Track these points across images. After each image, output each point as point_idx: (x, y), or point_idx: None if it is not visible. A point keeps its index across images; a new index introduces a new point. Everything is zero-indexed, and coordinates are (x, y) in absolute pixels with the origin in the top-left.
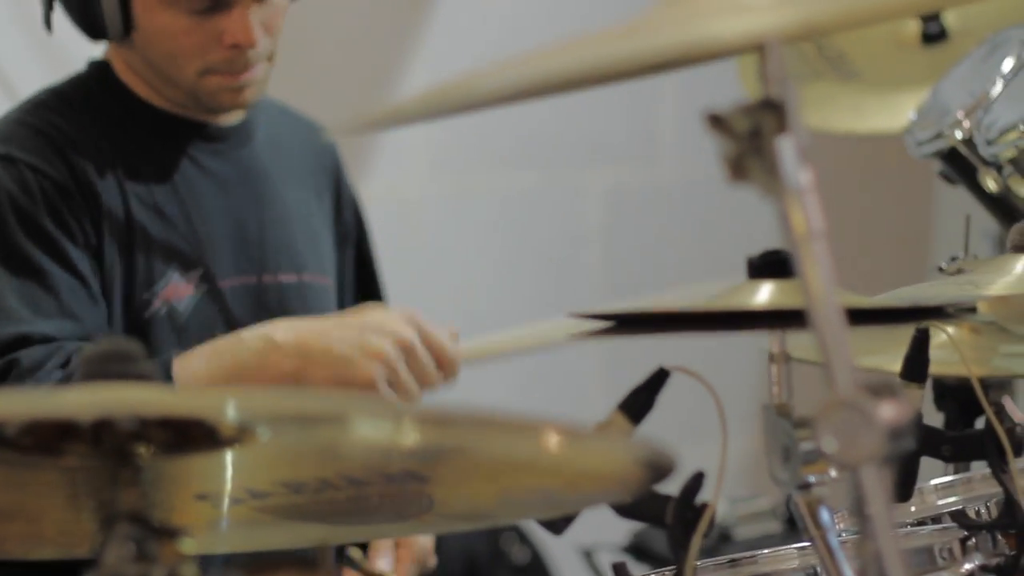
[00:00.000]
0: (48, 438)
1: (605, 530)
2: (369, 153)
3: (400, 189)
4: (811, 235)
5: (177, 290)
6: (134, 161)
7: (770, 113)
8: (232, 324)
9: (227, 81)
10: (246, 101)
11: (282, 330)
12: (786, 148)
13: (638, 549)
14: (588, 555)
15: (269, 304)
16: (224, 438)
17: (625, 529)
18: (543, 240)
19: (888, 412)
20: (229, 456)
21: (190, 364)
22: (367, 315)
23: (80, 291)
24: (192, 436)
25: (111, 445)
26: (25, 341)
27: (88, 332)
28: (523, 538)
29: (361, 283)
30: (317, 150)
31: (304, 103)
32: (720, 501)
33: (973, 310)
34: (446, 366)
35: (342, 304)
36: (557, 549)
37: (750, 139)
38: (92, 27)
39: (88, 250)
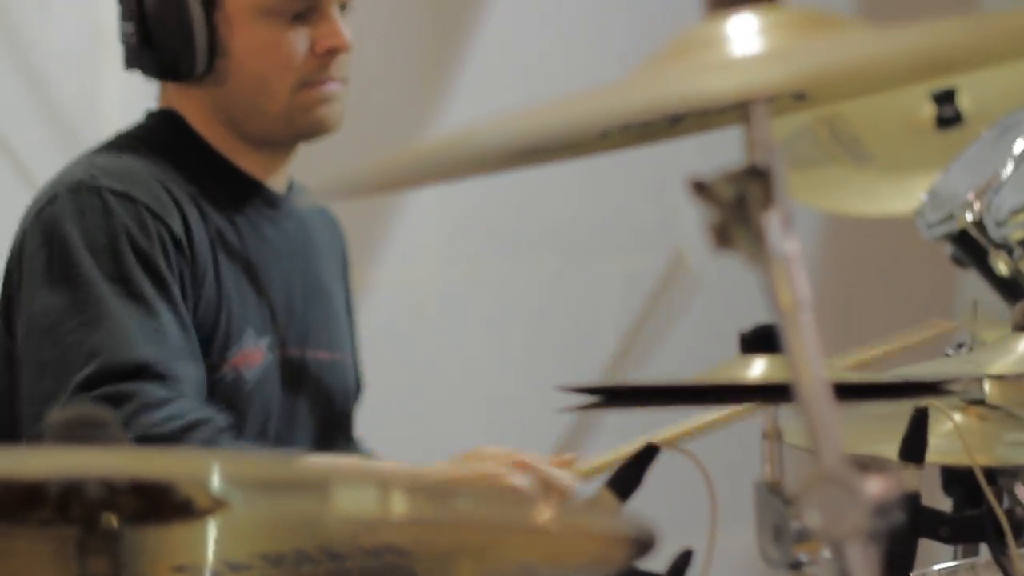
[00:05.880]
0: (16, 504)
1: None
2: (382, 235)
3: (413, 273)
4: (797, 306)
5: (248, 357)
6: (219, 219)
7: (755, 180)
8: (286, 397)
9: (318, 92)
10: (334, 118)
11: (408, 475)
12: (772, 217)
13: None
14: None
15: (309, 379)
16: (198, 508)
17: None
18: (559, 327)
19: (874, 487)
20: (207, 527)
21: None
22: (482, 468)
23: (187, 344)
24: (164, 505)
25: (79, 512)
26: (146, 371)
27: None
28: None
29: None
30: (333, 231)
31: (323, 159)
32: None
33: (982, 401)
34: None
35: None
36: None
37: (735, 207)
38: (181, 64)
39: (189, 308)
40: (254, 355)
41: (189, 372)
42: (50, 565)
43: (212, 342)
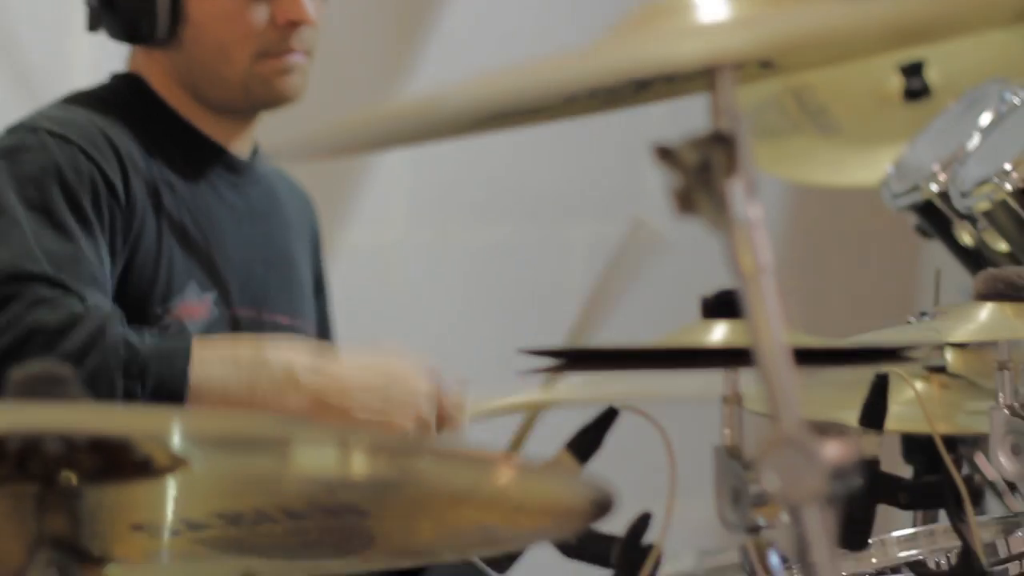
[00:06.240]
0: None
1: None
2: (348, 202)
3: (380, 239)
4: (759, 270)
5: (190, 309)
6: (171, 177)
7: (720, 147)
8: None
9: (278, 63)
10: (294, 89)
11: (307, 371)
12: (735, 183)
13: None
14: None
15: None
16: (157, 466)
17: None
18: (524, 293)
19: (832, 451)
20: (166, 485)
21: (208, 365)
22: (392, 374)
23: (100, 274)
24: (123, 463)
25: (38, 469)
26: (45, 280)
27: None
28: None
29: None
30: (304, 207)
31: (291, 122)
32: (688, 554)
33: (944, 369)
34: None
35: None
36: None
37: (699, 173)
38: (143, 26)
39: (113, 253)
40: (197, 308)
41: (96, 296)
42: (8, 522)
43: (153, 292)
